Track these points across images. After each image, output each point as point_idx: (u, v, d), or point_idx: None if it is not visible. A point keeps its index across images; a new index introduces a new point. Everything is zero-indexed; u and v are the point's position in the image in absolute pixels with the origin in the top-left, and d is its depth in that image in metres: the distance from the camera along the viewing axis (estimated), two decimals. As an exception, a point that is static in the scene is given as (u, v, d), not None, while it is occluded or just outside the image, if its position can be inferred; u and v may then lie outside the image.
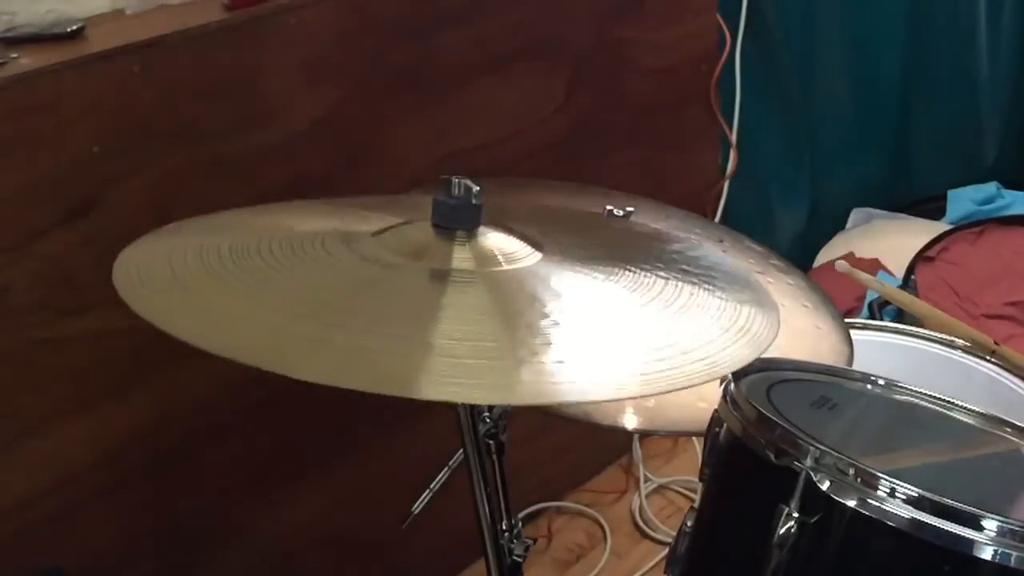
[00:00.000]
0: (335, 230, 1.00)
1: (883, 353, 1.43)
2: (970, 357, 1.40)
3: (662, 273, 0.99)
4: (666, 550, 1.86)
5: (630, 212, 1.26)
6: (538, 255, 0.98)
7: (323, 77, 1.44)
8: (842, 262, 1.43)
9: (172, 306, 0.87)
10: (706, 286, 0.98)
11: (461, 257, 0.94)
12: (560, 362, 0.81)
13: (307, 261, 0.93)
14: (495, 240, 0.98)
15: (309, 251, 0.95)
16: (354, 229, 1.00)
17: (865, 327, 1.47)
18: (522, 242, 0.99)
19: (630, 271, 0.98)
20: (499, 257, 0.96)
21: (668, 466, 2.06)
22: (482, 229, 0.97)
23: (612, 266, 0.99)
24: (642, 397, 1.15)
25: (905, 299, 1.64)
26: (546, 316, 0.88)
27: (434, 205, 0.96)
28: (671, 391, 0.84)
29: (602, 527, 1.95)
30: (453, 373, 0.78)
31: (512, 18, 1.64)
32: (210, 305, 0.87)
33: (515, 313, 0.88)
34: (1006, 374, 1.36)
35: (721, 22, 1.99)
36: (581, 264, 0.99)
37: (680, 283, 0.97)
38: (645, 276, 0.98)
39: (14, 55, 1.22)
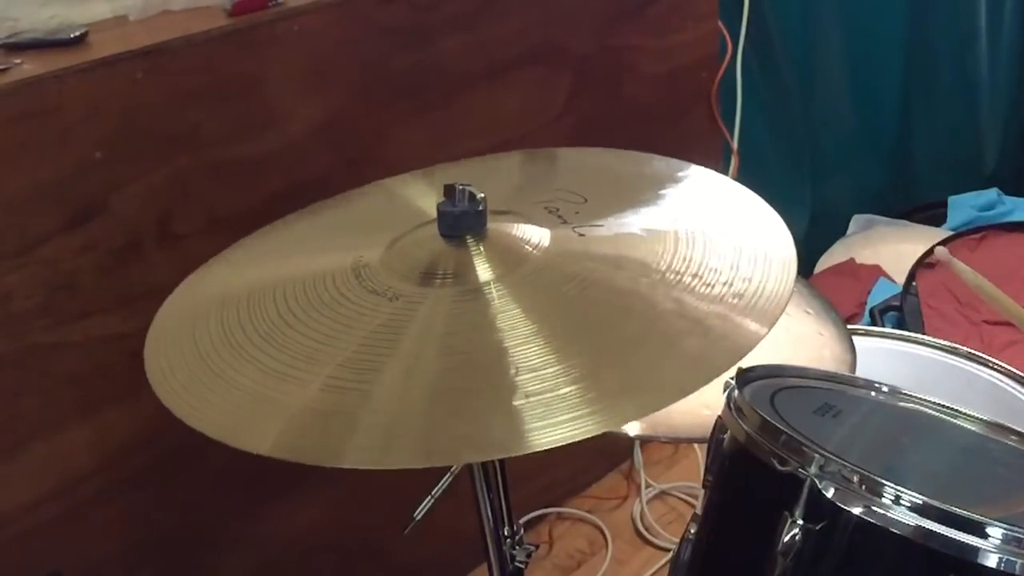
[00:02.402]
0: (343, 262, 0.97)
1: (885, 360, 1.43)
2: (972, 364, 1.40)
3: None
4: (667, 556, 1.87)
5: None
6: (546, 231, 0.96)
7: (325, 83, 1.44)
8: (942, 248, 1.39)
9: (202, 399, 0.86)
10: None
11: (483, 268, 0.91)
12: (690, 330, 0.73)
13: (321, 308, 0.91)
14: (508, 232, 0.97)
15: (322, 293, 0.93)
16: (361, 254, 0.98)
17: (867, 333, 1.47)
18: (531, 224, 0.98)
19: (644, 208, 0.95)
20: (527, 248, 0.92)
21: (669, 472, 2.06)
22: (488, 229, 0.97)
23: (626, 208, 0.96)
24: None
25: (1006, 302, 1.59)
26: (633, 284, 0.81)
27: (439, 215, 0.96)
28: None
29: (603, 533, 1.95)
30: (526, 420, 0.69)
31: (513, 24, 1.64)
32: (237, 395, 0.85)
33: (575, 311, 0.82)
34: (1008, 380, 1.36)
35: (722, 28, 1.99)
36: (600, 221, 0.95)
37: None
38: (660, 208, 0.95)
39: (17, 61, 1.22)
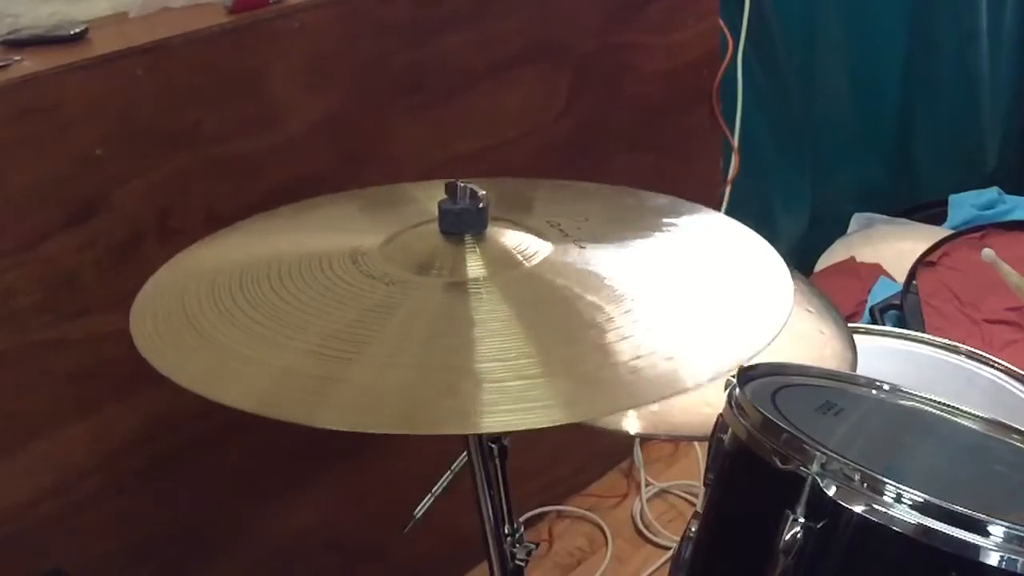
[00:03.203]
0: (341, 247, 0.99)
1: (885, 358, 1.43)
2: (973, 362, 1.40)
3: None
4: (667, 554, 1.87)
5: None
6: (549, 244, 0.96)
7: (325, 80, 1.44)
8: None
9: (187, 357, 0.87)
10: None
11: (474, 265, 0.93)
12: (636, 359, 0.77)
13: (315, 285, 0.92)
14: (505, 238, 0.97)
15: (316, 274, 0.94)
16: (359, 242, 0.99)
17: (868, 332, 1.47)
18: (531, 235, 0.99)
19: (643, 238, 0.96)
20: (517, 256, 0.94)
21: (669, 470, 2.06)
22: (489, 230, 0.97)
23: (626, 236, 0.98)
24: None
25: None
26: (599, 308, 0.84)
27: (440, 212, 0.96)
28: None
29: (603, 531, 1.95)
30: (493, 401, 0.73)
31: (515, 22, 1.64)
32: (222, 350, 0.86)
33: (555, 315, 0.85)
34: (1009, 379, 1.36)
35: (723, 26, 1.99)
36: (598, 241, 0.97)
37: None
38: (657, 241, 0.96)
39: (17, 58, 1.22)
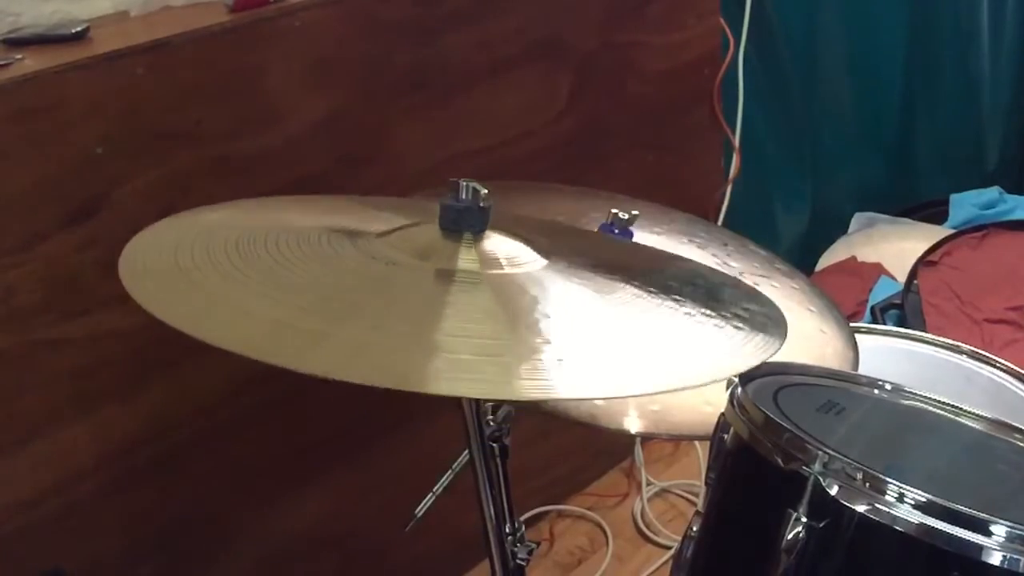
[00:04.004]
0: (341, 227, 1.00)
1: (886, 358, 1.43)
2: (974, 362, 1.40)
3: (662, 292, 0.99)
4: (667, 554, 1.87)
5: (635, 216, 1.26)
6: (543, 261, 0.97)
7: (327, 79, 1.44)
8: None
9: (175, 298, 0.87)
10: (705, 309, 0.98)
11: (467, 258, 0.94)
12: (559, 360, 0.81)
13: (312, 257, 0.94)
14: (500, 244, 0.98)
15: (315, 247, 0.95)
16: (360, 228, 1.00)
17: (869, 331, 1.47)
18: (528, 247, 0.99)
19: (632, 285, 0.98)
20: (502, 260, 0.96)
21: (670, 470, 2.06)
22: (489, 233, 0.97)
23: (615, 279, 0.99)
24: (642, 396, 1.15)
25: None
26: (547, 317, 0.88)
27: (441, 208, 0.96)
28: (670, 391, 0.86)
29: (604, 531, 1.95)
30: (455, 369, 0.79)
31: (516, 21, 1.64)
32: (213, 297, 0.87)
33: (516, 313, 0.89)
34: (1009, 378, 1.36)
35: (724, 26, 1.99)
36: (585, 273, 0.99)
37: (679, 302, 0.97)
38: (647, 293, 0.97)
39: (18, 56, 1.22)
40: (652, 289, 0.98)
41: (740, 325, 0.94)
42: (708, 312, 0.96)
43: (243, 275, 0.89)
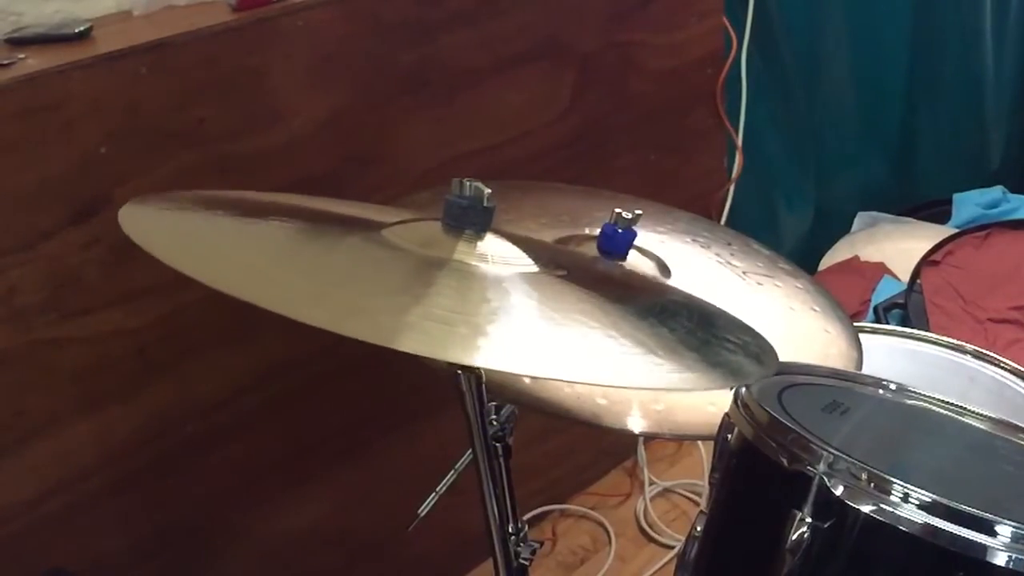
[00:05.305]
0: (343, 215, 1.02)
1: (889, 357, 1.43)
2: (977, 361, 1.40)
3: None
4: (670, 554, 1.87)
5: (638, 215, 1.26)
6: (534, 268, 0.98)
7: (329, 79, 1.43)
8: None
9: (171, 243, 0.90)
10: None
11: (462, 251, 0.95)
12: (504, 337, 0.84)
13: (315, 234, 0.97)
14: (499, 244, 0.98)
15: (319, 226, 0.97)
16: (364, 216, 1.02)
17: (872, 331, 1.47)
18: (523, 253, 0.99)
19: (615, 305, 0.98)
20: (494, 257, 0.97)
21: (672, 469, 2.06)
22: (490, 234, 0.97)
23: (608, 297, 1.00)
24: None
25: None
26: (517, 307, 0.91)
27: (445, 205, 0.96)
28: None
29: (606, 530, 1.95)
30: (429, 332, 0.82)
31: (518, 20, 1.64)
32: (220, 251, 0.90)
33: (489, 298, 0.91)
34: (1013, 378, 1.36)
35: (727, 25, 1.98)
36: (576, 285, 0.99)
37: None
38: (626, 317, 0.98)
39: (21, 56, 1.22)
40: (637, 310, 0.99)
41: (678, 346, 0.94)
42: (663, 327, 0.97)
43: (241, 235, 0.93)
